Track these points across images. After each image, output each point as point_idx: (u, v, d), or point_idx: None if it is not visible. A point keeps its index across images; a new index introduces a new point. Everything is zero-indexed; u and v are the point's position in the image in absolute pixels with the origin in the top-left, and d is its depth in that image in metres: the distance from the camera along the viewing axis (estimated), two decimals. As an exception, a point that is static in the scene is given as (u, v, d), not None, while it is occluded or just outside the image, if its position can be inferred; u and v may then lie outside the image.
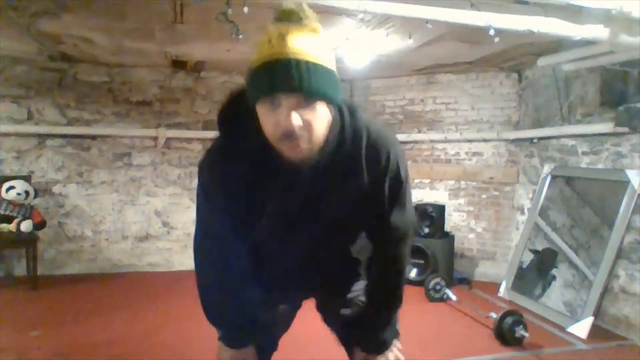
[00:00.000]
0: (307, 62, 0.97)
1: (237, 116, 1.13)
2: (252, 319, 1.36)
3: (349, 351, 1.50)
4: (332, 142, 1.10)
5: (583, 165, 3.90)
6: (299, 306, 1.54)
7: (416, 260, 4.47)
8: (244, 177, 1.15)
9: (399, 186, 1.24)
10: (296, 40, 0.98)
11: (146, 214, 4.96)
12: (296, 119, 0.98)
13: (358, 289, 1.46)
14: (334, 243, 1.34)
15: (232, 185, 1.17)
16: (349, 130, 1.13)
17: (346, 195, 1.21)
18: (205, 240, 1.32)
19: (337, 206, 1.22)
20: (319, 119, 1.03)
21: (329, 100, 1.04)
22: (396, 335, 1.41)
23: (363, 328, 1.38)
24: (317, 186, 1.16)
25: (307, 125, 1.01)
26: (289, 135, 1.00)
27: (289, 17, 1.00)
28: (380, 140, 1.18)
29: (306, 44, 0.98)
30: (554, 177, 4.17)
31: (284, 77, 0.96)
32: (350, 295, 1.45)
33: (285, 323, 1.54)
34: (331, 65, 1.03)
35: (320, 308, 1.56)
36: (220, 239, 1.27)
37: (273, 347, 1.49)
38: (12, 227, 4.06)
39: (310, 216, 1.21)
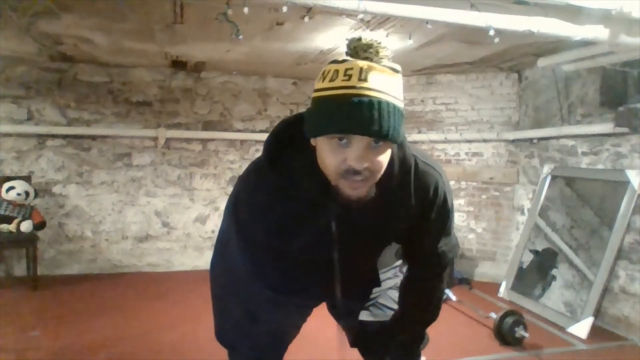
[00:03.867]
0: (388, 104, 0.94)
1: (290, 143, 1.09)
2: (265, 343, 1.37)
3: (364, 353, 1.51)
4: (384, 175, 1.08)
5: (583, 165, 3.90)
6: (310, 311, 1.54)
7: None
8: (286, 205, 1.14)
9: (446, 216, 1.24)
10: (377, 78, 0.94)
11: (146, 214, 4.96)
12: (366, 162, 0.96)
13: (377, 292, 1.47)
14: (365, 261, 1.36)
15: (272, 212, 1.16)
16: (397, 162, 1.12)
17: (392, 225, 1.21)
18: (224, 262, 1.32)
19: (381, 234, 1.24)
20: (385, 161, 1.02)
21: (397, 142, 1.02)
22: (427, 343, 1.44)
23: (398, 342, 1.40)
24: (364, 216, 1.14)
25: (374, 167, 0.99)
26: (354, 174, 0.97)
27: (366, 51, 0.97)
28: (429, 170, 1.18)
29: (384, 83, 0.95)
30: (554, 178, 4.17)
31: (362, 119, 0.93)
32: (370, 297, 1.47)
33: (296, 326, 1.53)
34: (402, 104, 1.00)
35: (335, 309, 1.56)
36: (241, 261, 1.27)
37: (283, 348, 1.50)
38: (12, 227, 4.06)
39: (350, 243, 1.19)
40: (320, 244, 1.18)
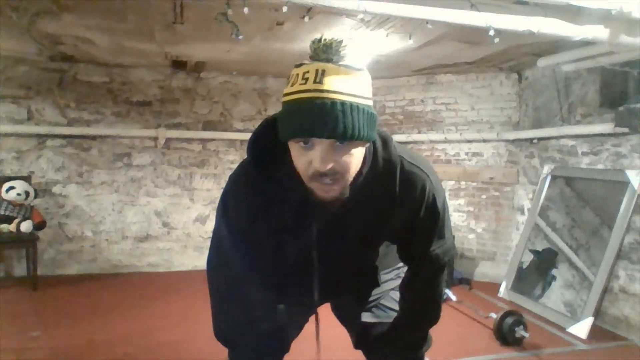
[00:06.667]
0: (343, 104, 0.93)
1: (269, 145, 1.09)
2: (265, 341, 1.37)
3: (368, 355, 1.51)
4: (365, 175, 1.08)
5: (583, 165, 3.90)
6: (313, 311, 1.53)
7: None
8: (271, 206, 1.14)
9: (436, 217, 1.22)
10: (333, 79, 0.94)
11: (146, 214, 4.96)
12: (330, 163, 0.96)
13: (378, 293, 1.47)
14: (358, 262, 1.35)
15: (258, 212, 1.16)
16: (381, 162, 1.11)
17: (378, 226, 1.20)
18: (220, 259, 1.32)
19: (367, 235, 1.22)
20: (354, 161, 1.01)
21: (365, 141, 1.01)
22: (430, 345, 1.43)
23: (400, 344, 1.39)
24: (348, 216, 1.15)
25: (341, 168, 0.98)
26: (321, 176, 0.98)
27: (327, 52, 0.97)
28: (415, 171, 1.16)
29: (343, 83, 0.95)
30: (554, 178, 4.17)
31: (319, 122, 0.93)
32: (370, 299, 1.47)
33: (298, 326, 1.53)
34: (369, 102, 0.99)
35: (338, 310, 1.56)
36: (236, 259, 1.27)
37: (285, 349, 1.49)
38: (12, 227, 4.06)
39: (333, 243, 1.20)
40: (303, 243, 1.18)
